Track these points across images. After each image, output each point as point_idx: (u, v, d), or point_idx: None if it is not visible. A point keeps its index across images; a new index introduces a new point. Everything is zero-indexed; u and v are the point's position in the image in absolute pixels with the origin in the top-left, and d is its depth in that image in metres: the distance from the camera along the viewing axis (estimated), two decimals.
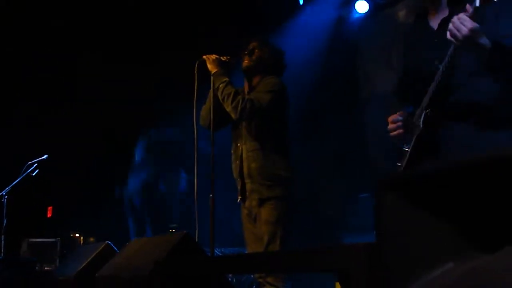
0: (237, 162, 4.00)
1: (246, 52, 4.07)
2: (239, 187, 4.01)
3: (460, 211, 1.16)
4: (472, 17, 2.43)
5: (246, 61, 4.05)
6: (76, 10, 7.62)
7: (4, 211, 6.41)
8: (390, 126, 2.94)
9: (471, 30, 2.42)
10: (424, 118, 2.72)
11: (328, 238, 6.69)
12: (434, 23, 2.87)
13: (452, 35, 2.49)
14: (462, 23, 2.44)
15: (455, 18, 2.48)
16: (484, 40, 2.47)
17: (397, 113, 2.95)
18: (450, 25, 2.49)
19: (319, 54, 7.30)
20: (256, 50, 4.06)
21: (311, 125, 7.28)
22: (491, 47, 2.47)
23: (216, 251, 4.83)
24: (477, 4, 2.41)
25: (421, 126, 2.73)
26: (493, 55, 2.49)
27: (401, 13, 6.65)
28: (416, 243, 1.18)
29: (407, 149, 2.82)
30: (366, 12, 7.23)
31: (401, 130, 2.89)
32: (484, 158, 1.02)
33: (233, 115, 3.85)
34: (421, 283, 1.14)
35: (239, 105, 3.78)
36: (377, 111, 6.93)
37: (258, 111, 3.82)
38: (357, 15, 7.32)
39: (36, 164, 6.55)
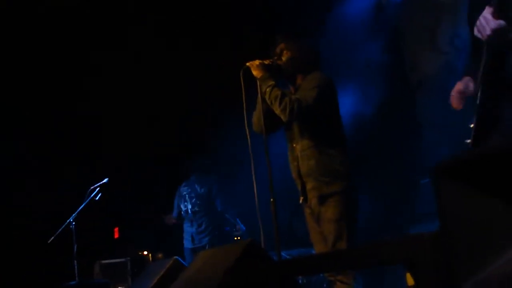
0: (295, 163, 3.97)
1: (276, 57, 4.03)
2: (299, 188, 3.97)
3: None
4: (496, 14, 2.34)
5: (279, 64, 4.01)
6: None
7: (74, 237, 6.56)
8: (454, 95, 2.88)
9: (494, 31, 2.35)
10: (480, 94, 2.64)
11: (393, 228, 6.61)
12: None
13: (478, 32, 2.43)
14: (487, 22, 2.37)
15: (481, 16, 2.40)
16: None
17: (465, 79, 2.88)
18: (477, 22, 2.42)
19: (361, 43, 7.22)
20: (285, 51, 4.02)
21: (364, 116, 7.20)
22: None
23: (282, 254, 4.81)
24: None
25: (477, 102, 2.65)
26: None
27: None
28: (481, 228, 1.16)
29: (472, 126, 2.75)
30: None
31: (460, 102, 2.84)
32: None
33: (282, 117, 3.83)
34: (489, 269, 1.11)
35: (287, 106, 3.75)
36: (428, 95, 6.83)
37: (306, 109, 3.77)
38: (396, 1, 7.22)
39: (98, 188, 6.69)
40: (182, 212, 7.18)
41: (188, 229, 7.10)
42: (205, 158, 7.28)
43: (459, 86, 2.94)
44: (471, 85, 2.88)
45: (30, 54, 7.72)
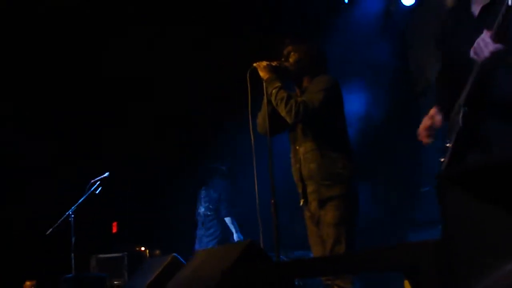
0: (297, 165, 3.94)
1: (283, 59, 4.03)
2: (300, 190, 3.94)
3: None
4: (494, 37, 2.40)
5: (286, 65, 4.01)
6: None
7: (72, 230, 6.55)
8: (422, 133, 2.97)
9: (492, 53, 2.41)
10: (463, 115, 2.66)
11: (391, 233, 6.60)
12: (476, 9, 2.74)
13: (474, 54, 2.49)
14: (485, 45, 2.43)
15: (479, 39, 2.45)
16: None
17: (431, 113, 2.96)
18: (475, 44, 2.47)
19: (368, 47, 7.23)
20: (292, 53, 4.00)
21: (368, 120, 7.20)
22: None
23: (281, 256, 4.80)
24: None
25: (460, 123, 2.67)
26: None
27: (450, 0, 6.54)
28: (485, 237, 1.16)
29: (449, 145, 2.78)
30: (412, 4, 7.13)
31: (428, 138, 2.95)
32: None
33: (288, 119, 3.81)
34: (492, 278, 1.11)
35: (293, 108, 3.73)
36: (432, 103, 6.82)
37: (312, 112, 3.76)
38: (404, 8, 7.22)
39: (98, 182, 6.70)
40: (197, 215, 7.27)
41: (199, 231, 7.20)
42: (223, 163, 7.34)
43: (426, 122, 3.04)
44: (438, 118, 2.96)
45: (30, 53, 7.73)
